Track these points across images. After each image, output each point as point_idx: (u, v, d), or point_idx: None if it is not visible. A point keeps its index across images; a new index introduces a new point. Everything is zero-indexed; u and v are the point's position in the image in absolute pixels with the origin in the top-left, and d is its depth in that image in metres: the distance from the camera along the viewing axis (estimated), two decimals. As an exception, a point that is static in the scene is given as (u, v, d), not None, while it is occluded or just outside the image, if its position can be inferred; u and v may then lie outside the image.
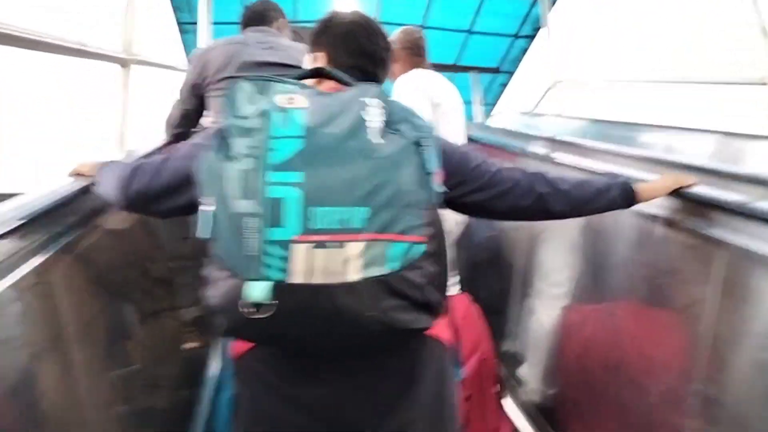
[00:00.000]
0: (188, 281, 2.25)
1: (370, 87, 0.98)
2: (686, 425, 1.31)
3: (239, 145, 0.90)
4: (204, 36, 3.67)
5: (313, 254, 0.85)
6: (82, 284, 1.27)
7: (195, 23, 3.91)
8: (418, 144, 0.95)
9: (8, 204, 1.14)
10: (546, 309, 2.09)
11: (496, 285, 2.53)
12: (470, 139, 3.03)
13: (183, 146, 1.14)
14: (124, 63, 2.54)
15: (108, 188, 1.20)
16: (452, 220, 2.19)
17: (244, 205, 0.86)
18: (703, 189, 1.30)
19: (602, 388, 1.67)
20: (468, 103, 6.16)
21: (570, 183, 1.21)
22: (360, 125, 0.91)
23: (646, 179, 1.37)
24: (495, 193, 1.16)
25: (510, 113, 4.93)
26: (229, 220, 0.87)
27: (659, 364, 1.42)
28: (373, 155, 0.90)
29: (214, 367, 2.39)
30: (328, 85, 1.13)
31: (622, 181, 1.25)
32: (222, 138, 0.93)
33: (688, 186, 1.32)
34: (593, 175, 1.75)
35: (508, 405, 2.09)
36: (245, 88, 0.96)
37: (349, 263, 0.86)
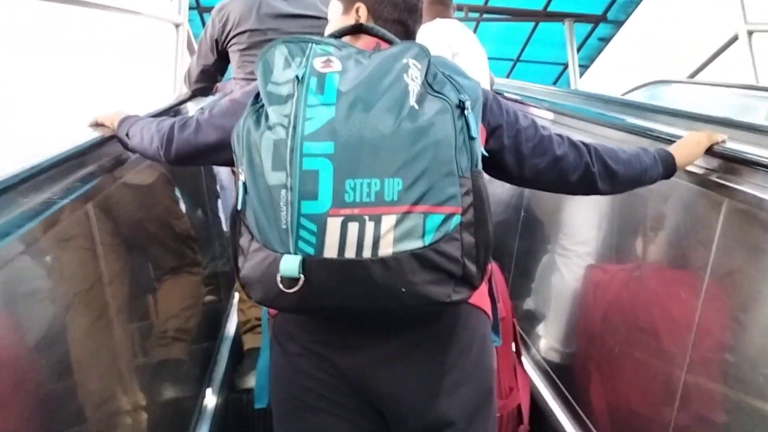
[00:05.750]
0: (209, 236, 2.27)
1: (413, 46, 0.93)
2: (711, 391, 1.29)
3: (274, 113, 0.87)
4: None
5: (345, 228, 0.82)
6: (101, 235, 1.27)
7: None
8: (461, 107, 0.90)
9: (25, 154, 1.13)
10: (570, 268, 2.07)
11: (515, 243, 2.51)
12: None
13: (223, 102, 1.14)
14: None
15: (146, 144, 1.23)
16: None
17: (277, 177, 0.84)
18: (737, 146, 1.25)
19: (623, 350, 1.66)
20: (551, 64, 5.11)
21: (620, 161, 1.14)
22: (399, 89, 0.86)
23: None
24: (543, 162, 1.10)
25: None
26: (263, 192, 0.86)
27: (685, 328, 1.40)
28: (410, 122, 0.85)
29: (232, 320, 2.43)
30: (367, 41, 1.08)
31: (664, 155, 1.20)
32: (257, 105, 0.91)
33: (719, 142, 1.27)
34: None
35: (525, 364, 2.08)
36: (282, 50, 0.92)
37: (382, 237, 0.83)
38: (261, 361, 1.19)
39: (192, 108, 2.19)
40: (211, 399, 1.95)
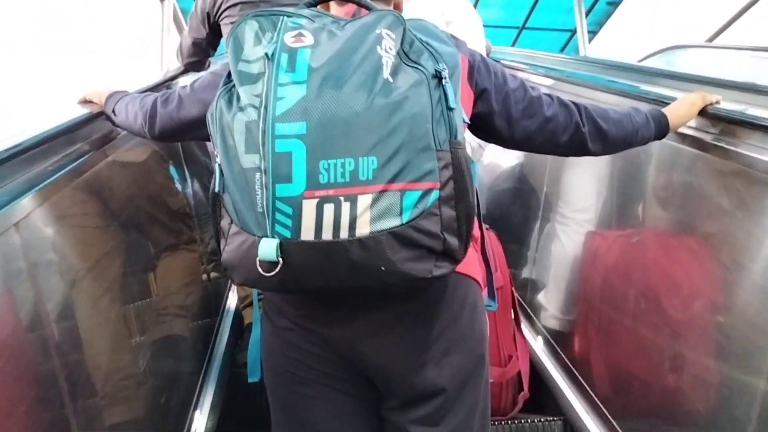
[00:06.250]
0: (207, 213, 2.27)
1: (387, 15, 0.89)
2: (707, 354, 1.29)
3: (245, 93, 0.85)
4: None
5: (321, 210, 0.81)
6: (94, 213, 1.27)
7: None
8: (437, 77, 0.87)
9: (16, 131, 1.13)
10: (569, 235, 2.06)
11: (513, 211, 2.49)
12: None
13: (204, 76, 1.13)
14: None
15: (131, 121, 1.22)
16: (474, 143, 2.12)
17: (251, 160, 0.83)
18: (732, 106, 1.23)
19: (622, 316, 1.65)
20: (558, 30, 4.90)
21: (611, 121, 1.13)
22: (372, 63, 0.83)
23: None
24: (534, 124, 1.08)
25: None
26: (238, 175, 0.85)
27: (687, 293, 1.39)
28: (383, 97, 0.82)
29: (233, 296, 2.44)
30: (347, 7, 1.05)
31: (656, 116, 1.19)
32: (229, 84, 0.89)
33: (713, 103, 1.25)
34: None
35: (524, 332, 2.09)
36: (252, 25, 0.89)
37: (358, 217, 0.81)
38: (253, 336, 1.19)
39: (185, 83, 2.16)
40: (213, 373, 1.96)
